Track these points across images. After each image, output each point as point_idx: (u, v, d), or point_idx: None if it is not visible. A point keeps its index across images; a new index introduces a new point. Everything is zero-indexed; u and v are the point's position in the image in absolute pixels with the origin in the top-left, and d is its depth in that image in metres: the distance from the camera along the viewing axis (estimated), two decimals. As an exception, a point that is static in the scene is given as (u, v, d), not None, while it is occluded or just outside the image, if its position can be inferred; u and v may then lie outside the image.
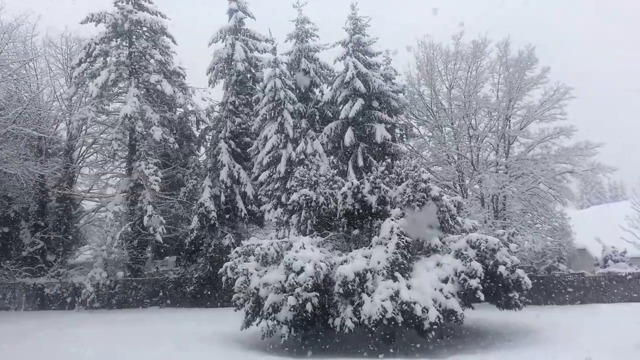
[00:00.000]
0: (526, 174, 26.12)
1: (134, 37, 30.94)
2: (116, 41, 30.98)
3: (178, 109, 32.10)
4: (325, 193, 18.33)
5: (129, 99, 28.33)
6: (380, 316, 13.73)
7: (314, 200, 18.19)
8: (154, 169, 27.97)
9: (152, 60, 30.74)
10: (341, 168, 27.92)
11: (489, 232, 19.08)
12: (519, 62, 26.93)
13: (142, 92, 30.36)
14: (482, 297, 14.89)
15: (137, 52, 30.17)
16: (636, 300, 23.16)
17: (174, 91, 30.09)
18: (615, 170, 25.78)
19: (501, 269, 15.19)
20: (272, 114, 26.76)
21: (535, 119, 26.90)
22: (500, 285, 15.65)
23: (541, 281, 24.50)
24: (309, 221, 18.71)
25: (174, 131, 31.29)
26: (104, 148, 32.40)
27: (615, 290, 23.90)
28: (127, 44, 30.83)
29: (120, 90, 31.79)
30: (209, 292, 27.14)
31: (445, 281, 14.90)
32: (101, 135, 32.94)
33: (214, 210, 27.68)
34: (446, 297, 14.50)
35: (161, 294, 28.32)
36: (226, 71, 30.68)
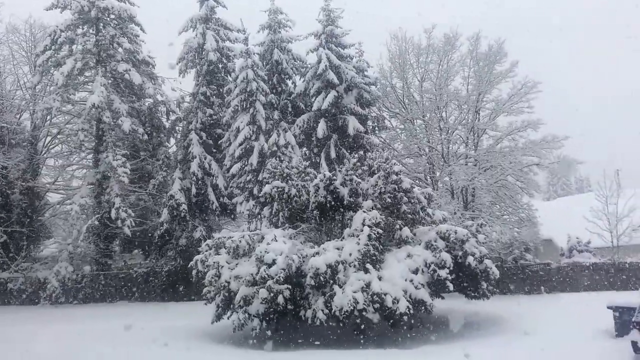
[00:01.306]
0: (495, 166, 26.57)
1: (101, 24, 30.14)
2: (82, 29, 30.13)
3: (147, 99, 31.46)
4: (297, 185, 18.27)
5: (96, 88, 27.63)
6: (352, 307, 13.81)
7: (286, 193, 18.11)
8: (122, 161, 27.39)
9: (120, 49, 30.03)
10: (314, 160, 27.93)
11: (458, 224, 19.36)
12: (489, 56, 27.28)
13: (110, 81, 29.64)
14: (451, 287, 15.18)
15: (104, 40, 29.39)
16: (599, 289, 23.83)
17: (143, 81, 29.49)
18: (580, 163, 26.49)
19: (470, 259, 15.47)
20: (244, 106, 26.49)
21: (504, 112, 27.34)
22: (468, 275, 15.95)
23: (508, 271, 25.00)
24: (281, 213, 18.66)
25: (143, 122, 30.66)
26: (69, 139, 31.53)
27: (580, 280, 24.55)
28: (94, 32, 30.03)
29: (87, 80, 30.95)
30: (179, 286, 26.83)
31: (415, 272, 15.08)
32: (67, 126, 32.04)
33: (184, 203, 27.33)
34: (416, 287, 14.68)
35: (130, 288, 27.86)
36: (197, 61, 30.20)
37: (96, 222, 27.86)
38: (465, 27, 27.93)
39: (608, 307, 14.30)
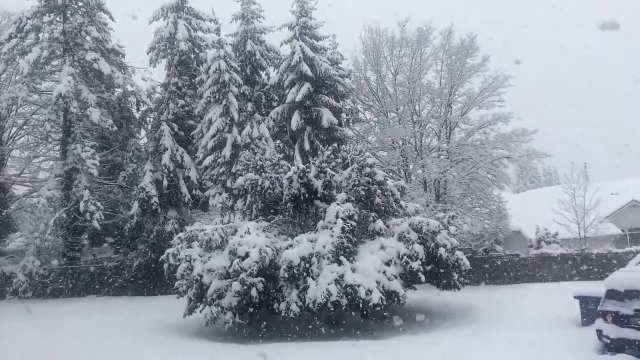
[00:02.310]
0: (466, 159, 26.90)
1: (69, 12, 29.33)
2: (49, 16, 29.26)
3: (117, 90, 30.83)
4: (271, 177, 18.17)
5: (63, 78, 26.88)
6: (325, 299, 13.84)
7: (260, 185, 18.01)
8: (91, 152, 26.78)
9: (88, 37, 29.24)
10: (287, 152, 27.80)
11: (430, 216, 19.55)
12: (461, 50, 27.53)
13: (78, 70, 28.92)
14: (423, 279, 15.34)
15: (72, 28, 28.58)
16: (567, 279, 24.38)
17: (112, 70, 28.84)
18: (549, 156, 27.01)
19: (441, 250, 15.64)
20: (217, 97, 26.16)
21: (475, 105, 27.68)
22: (440, 266, 16.15)
23: (479, 262, 25.39)
24: (254, 206, 18.56)
25: (113, 113, 29.98)
26: (36, 130, 30.62)
27: (548, 270, 25.10)
28: (61, 20, 29.20)
29: (54, 69, 30.08)
30: (151, 280, 26.45)
31: (388, 264, 15.19)
32: (33, 116, 31.08)
33: (155, 196, 26.91)
34: (389, 279, 14.79)
35: (99, 282, 27.38)
36: (168, 51, 29.66)
37: (64, 215, 27.22)
38: (442, 20, 28.13)
39: (575, 297, 14.65)
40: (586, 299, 14.24)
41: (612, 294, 11.54)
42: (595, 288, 14.23)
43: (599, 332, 11.47)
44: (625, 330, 10.97)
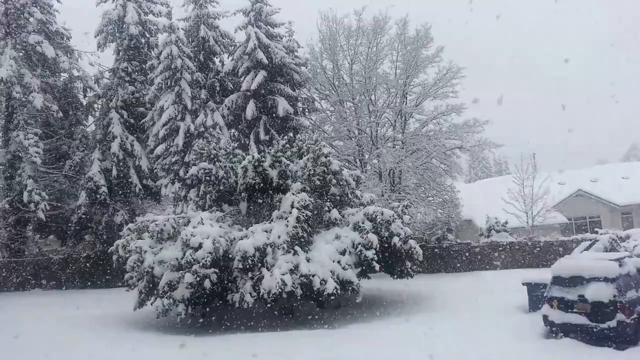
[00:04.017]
0: (420, 149, 27.29)
1: (10, -8, 27.77)
2: (-12, -4, 27.65)
3: (62, 74, 29.48)
4: (225, 167, 17.85)
5: (5, 61, 25.48)
6: (280, 290, 13.73)
7: (214, 174, 17.67)
8: (34, 140, 25.57)
9: (31, 19, 27.80)
10: (243, 141, 27.34)
11: (385, 205, 19.73)
12: (416, 41, 27.79)
13: (21, 54, 27.46)
14: (378, 267, 15.44)
15: (13, 9, 27.06)
16: (516, 267, 25.16)
17: (57, 54, 27.56)
18: (499, 146, 27.73)
19: (395, 240, 15.78)
20: (169, 83, 25.40)
21: (430, 96, 28.08)
22: (394, 255, 16.30)
23: (432, 251, 25.85)
24: (208, 196, 18.19)
25: (58, 98, 28.65)
26: (-25, 116, 29.04)
27: (498, 258, 25.81)
28: (2, 0, 27.61)
29: (-6, 52, 28.51)
30: (100, 273, 25.61)
31: (343, 253, 15.22)
32: (-28, 101, 29.46)
33: (104, 185, 26.02)
34: (344, 268, 14.83)
35: (45, 275, 26.33)
36: (117, 34, 28.57)
37: (7, 206, 26.04)
38: (400, 8, 28.16)
39: (522, 284, 15.10)
40: (533, 285, 14.69)
41: (557, 281, 11.96)
42: (542, 275, 14.70)
43: (545, 318, 11.88)
44: (570, 315, 11.42)
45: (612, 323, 10.77)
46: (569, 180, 37.90)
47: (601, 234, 22.11)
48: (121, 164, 26.80)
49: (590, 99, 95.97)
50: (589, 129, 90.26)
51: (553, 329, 11.73)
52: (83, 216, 26.51)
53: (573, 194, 36.46)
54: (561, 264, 12.49)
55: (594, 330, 11.01)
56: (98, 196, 25.83)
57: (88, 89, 29.92)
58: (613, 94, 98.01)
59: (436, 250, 26.12)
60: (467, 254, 26.03)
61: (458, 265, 25.94)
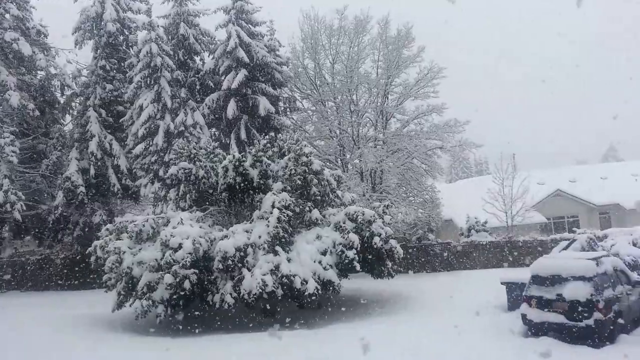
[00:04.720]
0: (401, 149, 27.37)
1: (-16, -13, 27.19)
2: (-39, -8, 27.03)
3: (39, 72, 29.02)
4: (206, 166, 17.70)
5: (-21, 59, 24.98)
6: (261, 290, 13.65)
7: (194, 174, 17.50)
8: (10, 139, 25.00)
9: (7, 16, 27.34)
10: (224, 141, 27.15)
11: (366, 205, 19.73)
12: (397, 40, 27.86)
13: (-5, 51, 26.94)
14: (358, 267, 15.44)
15: (-13, 5, 26.55)
16: (495, 266, 25.37)
17: (33, 52, 27.08)
18: (480, 146, 27.95)
19: (376, 240, 15.77)
20: (148, 82, 25.10)
21: (411, 96, 28.17)
22: (375, 255, 16.29)
23: (412, 250, 25.97)
24: (188, 196, 18.03)
25: (35, 96, 28.19)
26: (-52, 113, 28.31)
27: (477, 258, 26.01)
28: (-24, -4, 27.04)
29: (-32, 49, 27.87)
30: (77, 274, 25.20)
31: (324, 253, 15.19)
32: (-55, 99, 28.72)
33: (82, 185, 25.61)
34: (325, 268, 14.80)
35: (22, 277, 25.85)
36: (95, 32, 28.12)
37: (-19, 206, 25.36)
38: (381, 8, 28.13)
39: (501, 283, 15.23)
40: (512, 284, 14.82)
41: (536, 280, 12.08)
42: (521, 274, 14.83)
43: (524, 317, 11.99)
44: (548, 314, 11.54)
45: (590, 321, 10.90)
46: (548, 180, 38.46)
47: (579, 234, 22.39)
48: (99, 163, 26.42)
49: (571, 100, 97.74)
50: (569, 130, 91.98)
51: (531, 327, 11.86)
52: (60, 216, 26.06)
53: (552, 194, 36.98)
54: (539, 264, 12.62)
55: (572, 328, 11.13)
56: (76, 196, 25.41)
57: (65, 87, 29.45)
58: (593, 94, 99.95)
59: (417, 250, 26.23)
60: (447, 253, 26.18)
61: (438, 264, 26.09)
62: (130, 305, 15.24)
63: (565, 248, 20.85)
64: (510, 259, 25.48)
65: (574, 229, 27.08)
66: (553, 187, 37.41)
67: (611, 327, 11.04)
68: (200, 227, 15.76)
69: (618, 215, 37.10)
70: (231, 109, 25.63)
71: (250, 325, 14.82)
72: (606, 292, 11.31)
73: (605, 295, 11.21)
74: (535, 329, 11.75)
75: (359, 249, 15.39)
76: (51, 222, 26.31)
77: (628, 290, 12.38)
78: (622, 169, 42.35)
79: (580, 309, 11.05)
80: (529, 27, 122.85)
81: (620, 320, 11.49)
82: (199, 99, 27.46)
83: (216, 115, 27.16)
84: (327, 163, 27.38)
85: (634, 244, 19.80)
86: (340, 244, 15.30)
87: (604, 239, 21.06)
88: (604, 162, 66.73)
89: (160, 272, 14.20)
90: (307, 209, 16.66)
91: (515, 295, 14.41)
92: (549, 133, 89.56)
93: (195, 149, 18.21)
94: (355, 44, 28.22)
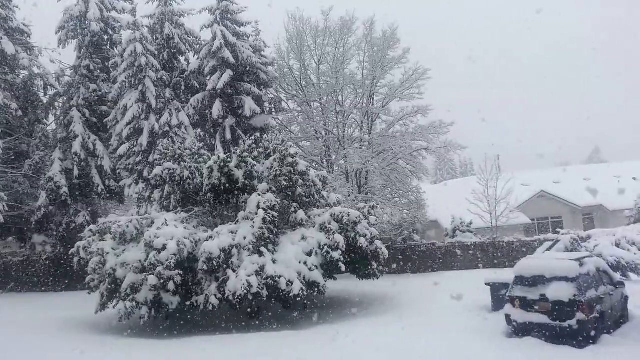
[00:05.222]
0: (387, 150, 27.46)
1: (-35, -14, 26.78)
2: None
3: (22, 72, 28.60)
4: (190, 167, 17.58)
5: (-40, 57, 24.58)
6: (246, 291, 13.59)
7: (179, 175, 17.39)
8: (-8, 139, 24.70)
9: (-11, 15, 26.89)
10: (209, 142, 27.04)
11: (352, 206, 19.78)
12: (383, 42, 27.95)
13: (-23, 50, 26.51)
14: (344, 268, 15.47)
15: (-31, 3, 26.14)
16: (480, 267, 25.54)
17: (16, 51, 26.74)
18: (464, 148, 28.13)
19: (361, 240, 15.81)
20: (133, 82, 24.89)
21: (396, 97, 28.28)
22: (360, 256, 16.33)
23: (398, 251, 26.04)
24: (172, 196, 17.92)
25: (18, 96, 27.76)
26: None
27: (462, 258, 26.16)
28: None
29: (-51, 48, 27.39)
30: (60, 275, 24.95)
31: (309, 254, 15.16)
32: None
33: (65, 186, 25.29)
34: (310, 269, 14.78)
35: (4, 278, 25.46)
36: (79, 31, 27.81)
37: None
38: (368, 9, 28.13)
39: (486, 284, 15.32)
40: (496, 285, 14.91)
41: (520, 280, 12.15)
42: (505, 275, 14.94)
43: (508, 317, 12.05)
44: (531, 314, 11.60)
45: (573, 322, 10.94)
46: (532, 181, 38.83)
47: (563, 235, 22.68)
48: (83, 163, 26.11)
49: (557, 101, 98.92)
50: (555, 131, 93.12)
51: (515, 328, 11.92)
52: (43, 217, 25.73)
53: (536, 195, 37.35)
54: (523, 264, 12.70)
55: (555, 329, 11.17)
56: (59, 197, 25.08)
57: (49, 87, 29.13)
58: (579, 97, 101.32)
59: (402, 250, 26.31)
60: (432, 254, 26.30)
61: (423, 265, 26.19)
62: (113, 307, 15.09)
63: (549, 249, 21.13)
64: (495, 259, 25.66)
65: (557, 229, 27.30)
66: (537, 189, 37.80)
67: (594, 328, 11.07)
68: (185, 228, 15.65)
69: (601, 216, 37.60)
70: (216, 109, 25.52)
71: (236, 326, 14.76)
72: (589, 293, 11.37)
73: (588, 296, 11.27)
74: (519, 329, 11.82)
75: (344, 249, 15.40)
76: (34, 222, 25.95)
77: (611, 290, 12.47)
78: (606, 171, 42.94)
79: (563, 309, 11.10)
80: (519, 27, 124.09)
81: (603, 321, 11.58)
82: (184, 100, 27.31)
83: (201, 116, 27.02)
84: (313, 164, 27.38)
85: (617, 245, 20.17)
86: (326, 244, 15.30)
87: (587, 239, 21.37)
88: (588, 164, 67.53)
89: (144, 274, 14.07)
90: (293, 209, 16.64)
91: (500, 295, 14.48)
92: (533, 134, 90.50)
93: (180, 149, 18.10)
94: (340, 45, 28.26)
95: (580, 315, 10.93)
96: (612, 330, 12.07)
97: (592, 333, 11.06)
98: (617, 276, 14.19)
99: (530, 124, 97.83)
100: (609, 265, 15.73)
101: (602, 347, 10.86)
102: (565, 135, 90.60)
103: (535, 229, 35.98)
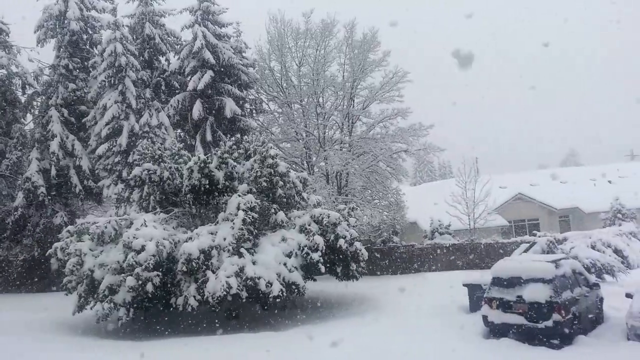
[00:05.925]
0: (367, 152, 27.65)
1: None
2: None
3: (0, 70, 28.08)
4: (170, 168, 17.49)
5: None
6: (225, 292, 13.59)
7: (158, 175, 17.28)
8: (-32, 138, 24.25)
9: (-35, 12, 26.40)
10: (189, 142, 26.92)
11: (332, 207, 19.87)
12: (363, 44, 28.15)
13: (-47, 48, 26.04)
14: (323, 269, 15.56)
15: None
16: (457, 268, 25.84)
17: (-7, 49, 26.24)
18: (443, 150, 28.48)
19: (341, 242, 15.93)
20: (112, 82, 24.66)
21: (376, 100, 28.51)
22: (340, 257, 16.44)
23: (377, 253, 26.20)
24: (152, 197, 17.81)
25: (-6, 95, 27.35)
26: None
27: (441, 260, 26.43)
28: None
29: None
30: (37, 277, 24.58)
31: (289, 255, 15.22)
32: None
33: (43, 186, 24.93)
34: (290, 270, 14.84)
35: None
36: (58, 30, 27.42)
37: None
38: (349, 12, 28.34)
39: (463, 285, 15.54)
40: (474, 286, 15.12)
41: (497, 282, 12.35)
42: (483, 276, 15.12)
43: (485, 318, 12.24)
44: (508, 315, 11.79)
45: (549, 323, 11.10)
46: (509, 184, 39.34)
47: (539, 237, 23.05)
48: (61, 163, 25.77)
49: (533, 104, 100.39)
50: (531, 134, 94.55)
51: (492, 329, 12.10)
52: (20, 218, 25.34)
53: (513, 198, 37.86)
54: (500, 266, 12.91)
55: (532, 330, 11.33)
56: (36, 197, 24.74)
57: (27, 86, 28.79)
58: (555, 99, 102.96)
59: (382, 252, 26.48)
60: (411, 255, 26.52)
61: (402, 266, 26.40)
62: (91, 308, 14.93)
63: (526, 251, 21.48)
64: (473, 261, 25.98)
65: (534, 232, 27.74)
66: (514, 191, 38.31)
67: (570, 329, 11.25)
68: (164, 229, 15.58)
69: (577, 218, 38.28)
70: (197, 110, 25.42)
71: (215, 327, 14.73)
72: (565, 294, 11.54)
73: (564, 297, 11.44)
74: (496, 330, 12.00)
75: (324, 251, 15.50)
76: (10, 223, 25.52)
77: (586, 292, 12.69)
78: (582, 174, 43.73)
79: (539, 310, 11.26)
80: (505, 28, 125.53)
81: (579, 322, 11.76)
82: (164, 100, 27.14)
83: (182, 116, 26.88)
84: (293, 165, 27.43)
85: (593, 247, 20.54)
86: (306, 246, 15.37)
87: (563, 241, 21.75)
88: (563, 166, 68.68)
89: (123, 275, 13.98)
90: (273, 211, 16.68)
91: (477, 296, 14.65)
92: (510, 138, 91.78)
93: (160, 150, 17.97)
94: (321, 47, 28.39)
95: (556, 317, 11.09)
96: (587, 331, 12.22)
97: (568, 334, 11.24)
98: (593, 278, 14.45)
99: (525, 124, 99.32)
100: (584, 267, 16.05)
101: (578, 348, 11.06)
102: (542, 138, 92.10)
103: (513, 230, 36.47)
